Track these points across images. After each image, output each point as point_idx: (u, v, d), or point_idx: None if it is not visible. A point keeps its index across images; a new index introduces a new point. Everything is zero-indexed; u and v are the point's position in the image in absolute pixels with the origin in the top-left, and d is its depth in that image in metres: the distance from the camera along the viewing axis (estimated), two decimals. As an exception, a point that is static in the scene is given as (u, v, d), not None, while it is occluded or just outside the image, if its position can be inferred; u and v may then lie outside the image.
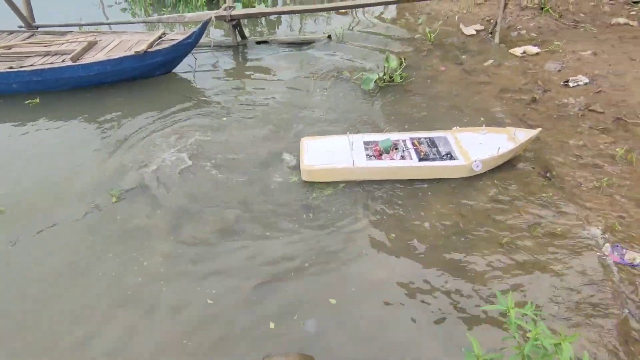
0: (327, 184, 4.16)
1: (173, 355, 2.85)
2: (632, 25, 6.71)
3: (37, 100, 5.87)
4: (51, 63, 5.89)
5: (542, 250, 3.41)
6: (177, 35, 6.39)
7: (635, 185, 3.92)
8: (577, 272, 3.23)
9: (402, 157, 4.20)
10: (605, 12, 7.22)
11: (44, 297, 3.24)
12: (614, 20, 6.88)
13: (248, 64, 6.96)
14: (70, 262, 3.49)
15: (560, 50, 6.25)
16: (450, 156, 4.17)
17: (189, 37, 6.09)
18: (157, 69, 6.28)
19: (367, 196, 4.02)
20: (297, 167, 4.38)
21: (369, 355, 2.80)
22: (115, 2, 10.10)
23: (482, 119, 5.01)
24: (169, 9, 9.39)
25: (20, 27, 7.20)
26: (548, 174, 4.13)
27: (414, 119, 5.16)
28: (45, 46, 6.40)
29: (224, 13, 6.90)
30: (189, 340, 2.92)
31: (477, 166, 4.04)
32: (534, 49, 6.35)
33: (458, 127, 4.56)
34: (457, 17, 7.86)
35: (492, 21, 7.13)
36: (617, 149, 4.32)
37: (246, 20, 8.36)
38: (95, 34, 6.85)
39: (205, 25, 6.16)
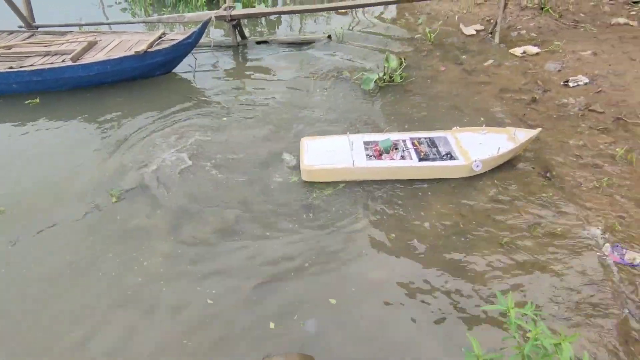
0: (327, 184, 4.16)
1: (173, 355, 2.85)
2: (632, 25, 6.71)
3: (37, 100, 5.87)
4: (51, 63, 5.89)
5: (542, 250, 3.41)
6: (177, 35, 6.39)
7: (635, 186, 3.92)
8: (577, 272, 3.23)
9: (402, 157, 4.20)
10: (605, 12, 7.22)
11: (44, 297, 3.24)
12: (614, 20, 6.88)
13: (248, 64, 6.96)
14: (70, 262, 3.49)
15: (560, 50, 6.25)
16: (450, 156, 4.17)
17: (189, 37, 6.09)
18: (157, 69, 6.28)
19: (367, 196, 4.02)
20: (297, 167, 4.38)
21: (369, 355, 2.80)
22: (115, 2, 10.10)
23: (482, 119, 5.01)
24: (169, 9, 9.39)
25: (20, 27, 7.21)
26: (548, 174, 4.13)
27: (414, 119, 5.16)
28: (45, 46, 6.40)
29: (224, 13, 6.90)
30: (189, 340, 2.92)
31: (477, 166, 4.04)
32: (534, 49, 6.35)
33: (458, 127, 4.56)
34: (457, 17, 7.86)
35: (492, 21, 7.13)
36: (617, 149, 4.32)
37: (246, 20, 8.36)
38: (95, 34, 6.85)
39: (205, 25, 6.16)
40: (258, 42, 7.44)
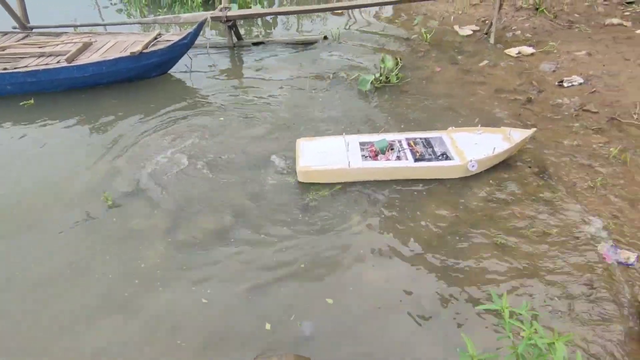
0: (323, 185, 4.16)
1: (168, 355, 2.84)
2: (625, 26, 6.75)
3: (32, 101, 5.84)
4: (46, 64, 5.87)
5: (538, 250, 3.42)
6: (173, 36, 6.38)
7: (629, 185, 3.94)
8: (573, 271, 3.24)
9: (398, 158, 4.21)
10: (599, 13, 7.27)
11: (44, 297, 3.26)
12: (607, 21, 6.92)
13: (244, 64, 6.95)
14: (70, 263, 3.50)
15: (555, 51, 6.29)
16: (445, 156, 4.19)
17: (184, 38, 6.08)
18: (153, 70, 6.26)
19: (363, 197, 4.02)
20: (293, 169, 4.38)
21: (365, 356, 2.80)
22: (111, 3, 10.07)
23: (477, 119, 5.02)
24: (165, 9, 9.37)
25: (15, 28, 7.16)
26: (543, 174, 4.15)
27: (410, 119, 5.17)
28: (40, 47, 6.37)
29: (220, 14, 6.89)
30: (183, 341, 2.91)
31: (473, 166, 4.06)
32: (529, 50, 6.38)
33: (453, 127, 4.57)
34: (452, 17, 7.89)
35: (487, 22, 7.16)
36: (611, 149, 4.34)
37: (242, 21, 8.36)
38: (90, 35, 6.82)
39: (200, 26, 6.15)
40: (254, 43, 7.44)
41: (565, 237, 3.51)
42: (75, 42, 6.40)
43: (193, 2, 9.08)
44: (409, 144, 4.36)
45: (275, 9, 8.73)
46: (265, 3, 9.46)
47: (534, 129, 4.35)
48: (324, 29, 7.92)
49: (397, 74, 5.92)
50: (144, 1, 9.53)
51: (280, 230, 3.72)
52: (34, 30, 7.12)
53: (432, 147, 4.34)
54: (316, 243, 3.59)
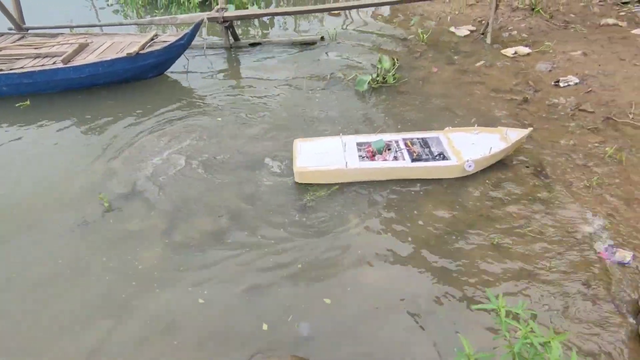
0: (321, 185, 4.16)
1: (166, 355, 2.84)
2: (621, 26, 6.79)
3: (28, 102, 5.82)
4: (42, 65, 5.85)
5: (534, 249, 3.43)
6: (170, 36, 6.36)
7: (624, 184, 3.96)
8: (569, 270, 3.26)
9: (395, 158, 4.22)
10: (594, 13, 7.30)
11: (44, 297, 3.27)
12: (603, 21, 6.96)
13: (241, 65, 6.95)
14: (70, 262, 3.52)
15: (551, 51, 6.31)
16: (442, 156, 4.19)
17: (181, 39, 6.07)
18: (150, 71, 6.25)
19: (360, 197, 4.03)
20: (290, 169, 4.37)
21: (363, 356, 2.80)
22: (107, 4, 10.04)
23: (474, 119, 5.04)
24: (162, 10, 9.35)
25: (10, 29, 7.14)
26: (539, 174, 4.16)
27: (407, 119, 5.18)
28: (36, 48, 6.34)
29: (217, 14, 6.88)
30: (180, 341, 2.91)
31: (470, 166, 4.07)
32: (525, 50, 6.40)
33: (450, 128, 4.59)
34: (449, 18, 7.91)
35: (484, 22, 7.18)
36: (606, 148, 4.36)
37: (239, 21, 8.35)
38: (86, 36, 6.80)
39: (197, 26, 6.14)
40: (251, 44, 7.43)
41: (561, 236, 3.53)
42: (71, 43, 6.38)
43: (190, 3, 9.06)
44: (406, 144, 4.37)
45: (272, 9, 8.73)
46: (262, 4, 9.45)
47: (530, 129, 4.37)
48: (321, 30, 7.93)
49: (394, 75, 5.93)
50: (140, 2, 9.51)
51: (277, 231, 3.72)
52: (29, 31, 7.09)
53: (429, 147, 4.35)
54: (313, 244, 3.59)
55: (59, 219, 3.95)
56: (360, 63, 6.59)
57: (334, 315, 3.05)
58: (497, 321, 1.93)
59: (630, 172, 4.08)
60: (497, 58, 6.36)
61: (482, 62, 6.28)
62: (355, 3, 7.13)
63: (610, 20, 6.93)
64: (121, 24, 7.74)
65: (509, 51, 6.44)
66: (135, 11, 9.50)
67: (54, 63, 5.87)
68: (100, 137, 5.12)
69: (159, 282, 3.32)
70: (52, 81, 5.84)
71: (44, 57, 6.06)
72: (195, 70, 6.72)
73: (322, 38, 7.39)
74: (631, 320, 2.89)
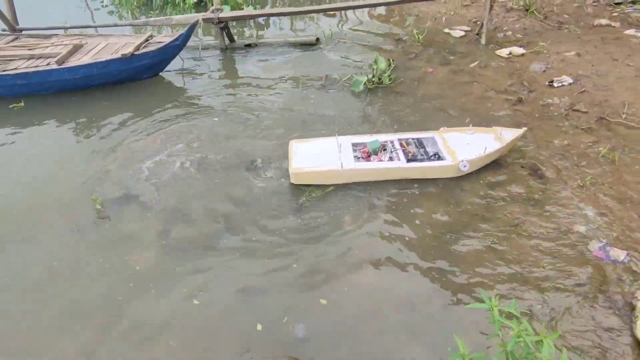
0: (316, 186, 4.16)
1: (164, 355, 2.84)
2: (614, 27, 6.84)
3: (22, 104, 5.79)
4: (36, 66, 5.82)
5: (529, 249, 3.45)
6: (165, 37, 6.35)
7: (618, 184, 3.99)
8: (564, 269, 3.28)
9: (390, 158, 4.23)
10: (588, 14, 7.36)
11: (44, 297, 3.27)
12: (596, 22, 7.01)
13: (236, 66, 6.94)
14: (70, 263, 3.52)
15: (545, 51, 6.35)
16: (437, 156, 4.21)
17: (176, 40, 6.06)
18: (145, 72, 6.23)
19: (355, 198, 4.03)
20: (285, 170, 4.37)
21: (360, 356, 2.81)
22: (102, 5, 10.00)
23: (468, 119, 5.06)
24: (157, 11, 9.32)
25: (4, 30, 7.09)
26: (534, 174, 4.19)
27: (402, 120, 5.19)
28: (30, 49, 6.31)
29: (212, 15, 6.87)
30: (175, 341, 2.90)
31: (465, 166, 4.08)
32: (519, 50, 6.44)
33: (445, 128, 4.60)
34: (444, 18, 7.94)
35: (478, 23, 7.21)
36: (600, 148, 4.39)
37: (234, 22, 8.34)
38: (81, 37, 6.78)
39: (192, 27, 6.13)
40: (246, 45, 7.43)
41: (556, 235, 3.55)
42: (65, 44, 6.35)
43: (185, 3, 9.05)
44: (401, 145, 4.38)
45: (267, 10, 8.73)
46: (258, 5, 9.45)
47: (525, 129, 4.39)
48: (316, 30, 7.94)
49: (389, 75, 5.94)
50: (135, 3, 9.48)
51: (273, 232, 3.72)
52: (23, 32, 7.06)
53: (424, 147, 4.36)
54: (309, 244, 3.59)
55: (56, 220, 3.93)
56: (356, 63, 6.60)
57: (330, 316, 3.05)
58: (491, 321, 1.94)
59: (623, 172, 4.11)
60: (492, 58, 6.40)
61: (477, 63, 6.31)
62: (351, 4, 7.14)
63: (604, 21, 6.98)
64: (116, 25, 7.72)
65: (504, 52, 6.47)
66: (130, 12, 9.47)
67: (48, 64, 5.85)
68: (95, 138, 5.10)
69: (155, 283, 3.32)
70: (46, 82, 5.81)
71: (38, 58, 6.04)
72: (191, 71, 6.71)
73: (318, 39, 7.39)
74: (625, 318, 2.91)
